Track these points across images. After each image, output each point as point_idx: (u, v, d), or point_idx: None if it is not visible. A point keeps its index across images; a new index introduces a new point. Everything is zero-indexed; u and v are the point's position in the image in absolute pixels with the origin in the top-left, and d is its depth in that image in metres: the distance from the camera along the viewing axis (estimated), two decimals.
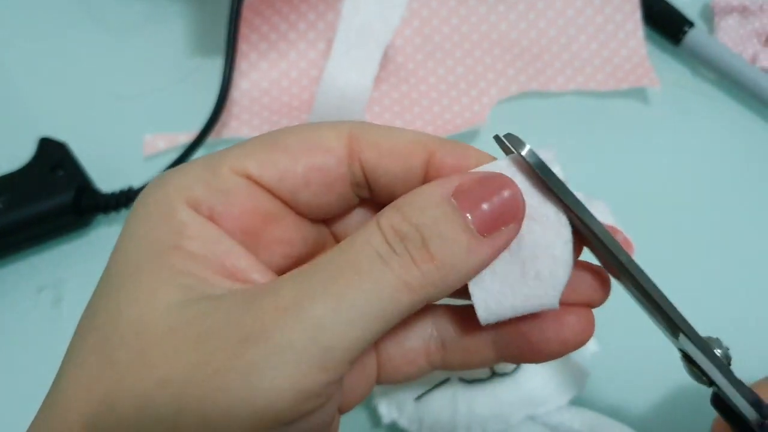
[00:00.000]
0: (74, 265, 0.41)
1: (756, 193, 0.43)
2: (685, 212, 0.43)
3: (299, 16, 0.47)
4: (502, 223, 0.21)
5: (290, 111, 0.45)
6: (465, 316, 0.25)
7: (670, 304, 0.22)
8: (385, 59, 0.46)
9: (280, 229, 0.24)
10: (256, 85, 0.46)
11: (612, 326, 0.39)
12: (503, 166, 0.23)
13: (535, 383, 0.32)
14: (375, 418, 0.35)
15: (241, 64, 0.46)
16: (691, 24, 0.47)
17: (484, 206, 0.21)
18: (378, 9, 0.42)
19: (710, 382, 0.24)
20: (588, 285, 0.24)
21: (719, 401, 0.25)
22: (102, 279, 0.22)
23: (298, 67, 0.47)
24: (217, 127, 0.43)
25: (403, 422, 0.33)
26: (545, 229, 0.22)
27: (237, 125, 0.45)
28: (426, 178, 0.23)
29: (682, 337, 0.23)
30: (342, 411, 0.25)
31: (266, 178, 0.23)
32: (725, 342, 0.24)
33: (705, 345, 0.23)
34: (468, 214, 0.21)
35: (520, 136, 0.22)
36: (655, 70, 0.46)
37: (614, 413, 0.34)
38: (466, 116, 0.45)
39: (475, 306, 0.22)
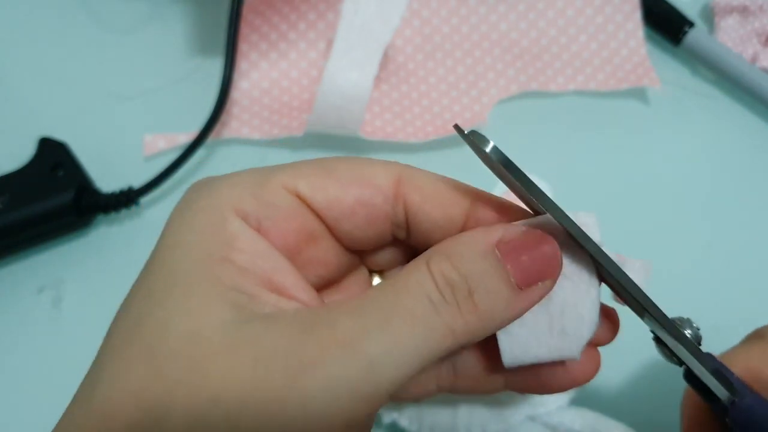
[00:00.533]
0: (74, 265, 0.41)
1: (756, 192, 0.43)
2: (684, 212, 0.43)
3: (299, 16, 0.47)
4: (540, 278, 0.22)
5: (290, 111, 0.45)
6: (482, 349, 0.26)
7: (635, 285, 0.23)
8: (385, 59, 0.46)
9: (319, 251, 0.24)
10: (257, 85, 0.46)
11: None
12: (542, 221, 0.23)
13: None
14: (375, 418, 0.35)
15: (242, 64, 0.46)
16: (691, 24, 0.47)
17: (525, 260, 0.22)
18: (378, 9, 0.42)
19: (680, 362, 0.25)
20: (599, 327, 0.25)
21: (691, 376, 0.25)
22: (143, 283, 0.22)
23: (298, 67, 0.47)
24: (217, 127, 0.43)
25: (403, 422, 0.33)
26: (575, 286, 0.23)
27: (237, 125, 0.45)
28: (464, 229, 0.24)
29: (647, 317, 0.23)
30: None
31: (315, 200, 0.23)
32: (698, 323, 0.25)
33: (670, 324, 0.23)
34: (509, 266, 0.22)
35: (486, 134, 0.22)
36: (656, 70, 0.46)
37: (614, 413, 0.34)
38: (466, 116, 0.45)
39: (501, 351, 0.23)
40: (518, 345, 0.23)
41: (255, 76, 0.46)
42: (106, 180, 0.42)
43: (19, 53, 0.48)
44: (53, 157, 0.41)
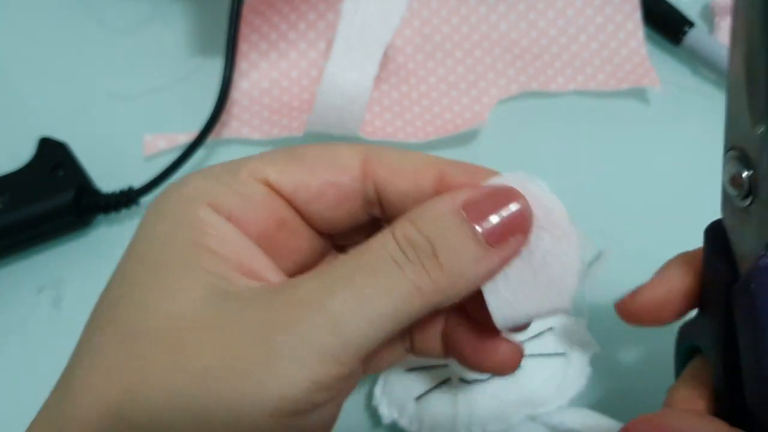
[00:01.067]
0: (74, 265, 0.41)
1: None
2: (684, 212, 0.43)
3: (299, 16, 0.47)
4: (510, 233, 0.22)
5: (290, 111, 0.45)
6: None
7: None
8: (386, 59, 0.46)
9: (291, 237, 0.25)
10: (257, 85, 0.46)
11: (612, 327, 0.39)
12: (512, 179, 0.23)
13: (536, 383, 0.32)
14: (375, 418, 0.35)
15: (242, 64, 0.46)
16: (691, 24, 0.47)
17: (493, 218, 0.22)
18: (378, 9, 0.42)
19: (748, 193, 0.23)
20: None
21: (716, 232, 0.25)
22: (119, 272, 0.23)
23: (298, 67, 0.47)
24: (217, 127, 0.43)
25: (403, 422, 0.33)
26: (555, 238, 0.23)
27: (237, 125, 0.45)
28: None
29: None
30: None
31: (284, 186, 0.24)
32: None
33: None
34: (477, 226, 0.22)
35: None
36: (656, 70, 0.46)
37: (614, 413, 0.34)
38: (466, 116, 0.45)
39: (491, 313, 0.23)
40: (506, 304, 0.23)
41: (255, 76, 0.46)
42: (106, 180, 0.42)
43: (20, 53, 0.48)
44: (53, 157, 0.41)
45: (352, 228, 0.26)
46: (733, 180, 0.24)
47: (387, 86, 0.46)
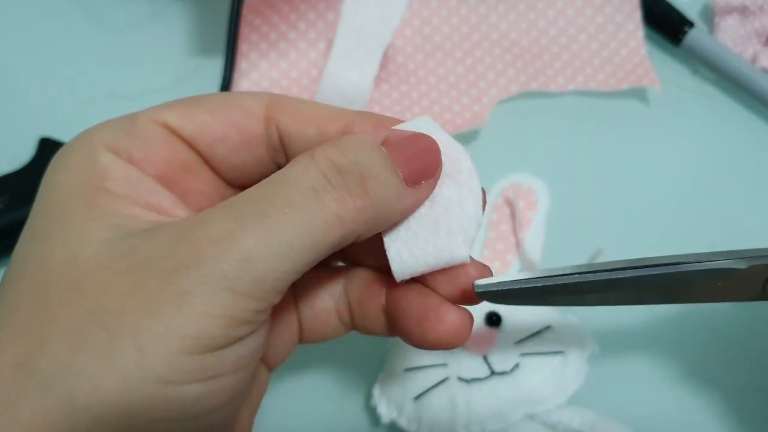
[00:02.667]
0: None
1: (756, 192, 0.43)
2: (684, 211, 0.43)
3: (299, 16, 0.47)
4: (424, 177, 0.23)
5: None
6: (370, 281, 0.26)
7: None
8: (385, 59, 0.46)
9: (197, 181, 0.25)
10: (257, 85, 0.46)
11: (611, 326, 0.39)
12: (420, 125, 0.24)
13: (534, 382, 0.33)
14: (374, 418, 0.35)
15: (241, 64, 0.46)
16: (691, 24, 0.47)
17: (410, 156, 0.22)
18: (378, 9, 0.42)
19: None
20: (471, 278, 0.24)
21: None
22: (27, 228, 0.23)
23: (298, 67, 0.47)
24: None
25: (402, 422, 0.34)
26: (456, 184, 0.23)
27: None
28: None
29: None
30: (270, 368, 0.27)
31: (184, 129, 0.24)
32: None
33: None
34: (396, 162, 0.22)
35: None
36: (656, 70, 0.46)
37: (613, 412, 0.34)
38: (466, 116, 0.45)
39: (389, 260, 0.23)
40: (406, 251, 0.23)
41: (255, 76, 0.46)
42: None
43: (20, 53, 0.48)
44: (53, 157, 0.41)
45: (261, 178, 0.25)
46: None
47: (387, 86, 0.46)
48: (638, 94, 0.46)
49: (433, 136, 0.23)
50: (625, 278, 0.24)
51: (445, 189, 0.23)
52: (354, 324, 0.27)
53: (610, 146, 0.45)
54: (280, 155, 0.25)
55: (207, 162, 0.25)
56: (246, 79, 0.46)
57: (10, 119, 0.45)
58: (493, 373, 0.32)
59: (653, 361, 0.38)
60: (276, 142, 0.24)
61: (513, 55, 0.47)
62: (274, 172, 0.25)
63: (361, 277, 0.26)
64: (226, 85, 0.43)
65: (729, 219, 0.42)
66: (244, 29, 0.45)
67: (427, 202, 0.23)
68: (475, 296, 0.24)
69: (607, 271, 0.24)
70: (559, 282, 0.24)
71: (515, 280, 0.24)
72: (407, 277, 0.24)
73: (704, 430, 0.37)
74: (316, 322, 0.27)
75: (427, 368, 0.33)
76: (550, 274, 0.24)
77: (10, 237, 0.40)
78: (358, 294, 0.26)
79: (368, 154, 0.22)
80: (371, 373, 0.36)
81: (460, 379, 0.33)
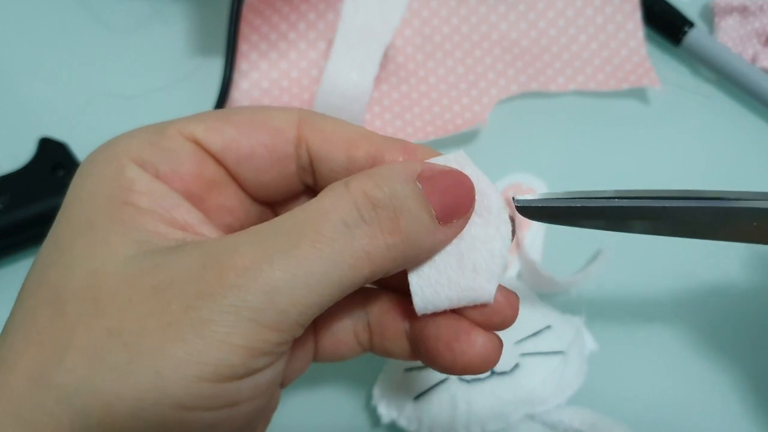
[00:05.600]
0: None
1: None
2: None
3: (299, 16, 0.47)
4: (456, 215, 0.22)
5: None
6: (392, 304, 0.26)
7: None
8: (386, 59, 0.46)
9: (224, 198, 0.24)
10: (257, 86, 0.46)
11: (610, 325, 0.39)
12: (452, 159, 0.23)
13: (534, 382, 0.33)
14: (374, 418, 0.35)
15: (242, 65, 0.46)
16: (691, 24, 0.47)
17: (444, 194, 0.22)
18: (378, 9, 0.42)
19: None
20: (499, 306, 0.24)
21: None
22: (50, 236, 0.22)
23: (298, 67, 0.47)
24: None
25: (402, 422, 0.34)
26: (485, 222, 0.23)
27: None
28: None
29: None
30: (282, 386, 0.26)
31: (212, 144, 0.23)
32: None
33: None
34: (429, 198, 0.22)
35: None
36: (656, 70, 0.46)
37: (612, 412, 0.34)
38: (466, 116, 0.45)
39: (412, 294, 0.23)
40: (429, 287, 0.23)
41: (255, 76, 0.46)
42: None
43: (20, 53, 0.48)
44: (53, 157, 0.41)
45: (288, 197, 0.25)
46: None
47: (387, 86, 0.46)
48: (638, 94, 0.46)
49: (465, 171, 0.23)
50: (663, 207, 0.24)
51: (473, 227, 0.23)
52: (372, 345, 0.26)
53: (610, 146, 0.45)
54: (308, 175, 0.24)
55: (234, 178, 0.24)
56: (246, 80, 0.46)
57: (10, 119, 0.45)
58: (493, 373, 0.32)
59: (650, 359, 0.38)
60: (305, 162, 0.24)
61: (513, 55, 0.47)
62: (300, 190, 0.25)
63: (383, 299, 0.26)
64: (226, 85, 0.43)
65: None
66: (244, 29, 0.45)
67: (454, 239, 0.23)
68: (500, 327, 0.24)
69: (649, 198, 0.24)
70: (599, 204, 0.24)
71: (557, 198, 0.24)
72: (429, 312, 0.23)
73: (704, 429, 0.37)
74: (333, 342, 0.26)
75: (427, 368, 0.34)
76: (590, 196, 0.24)
77: (11, 237, 0.40)
78: (380, 316, 0.26)
79: (403, 187, 0.21)
80: (371, 373, 0.36)
81: (460, 379, 0.33)
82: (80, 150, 0.42)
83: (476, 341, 0.23)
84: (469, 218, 0.23)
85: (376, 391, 0.35)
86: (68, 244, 0.21)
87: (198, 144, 0.23)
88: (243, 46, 0.45)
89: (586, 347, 0.35)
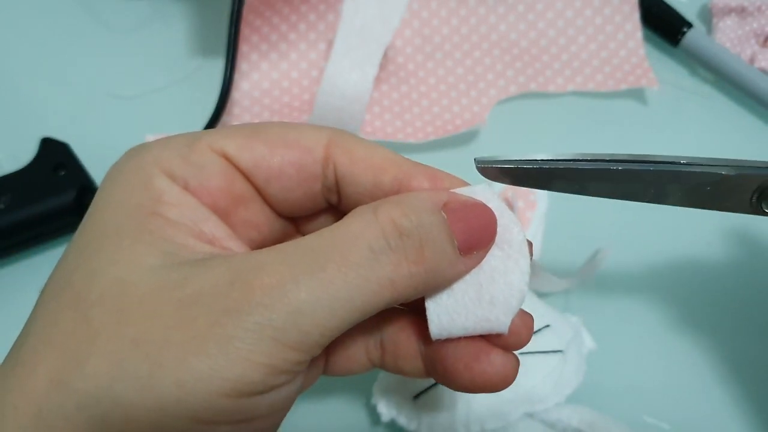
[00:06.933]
0: None
1: None
2: (682, 211, 0.43)
3: (300, 17, 0.47)
4: (478, 247, 0.23)
5: (291, 112, 0.45)
6: (406, 323, 0.26)
7: None
8: (385, 60, 0.46)
9: (250, 213, 0.24)
10: (257, 86, 0.46)
11: (608, 324, 0.39)
12: (478, 191, 0.24)
13: (533, 381, 0.33)
14: (374, 416, 0.35)
15: (242, 65, 0.46)
16: (689, 25, 0.47)
17: (467, 225, 0.22)
18: (378, 10, 0.42)
19: None
20: (517, 329, 0.24)
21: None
22: (76, 240, 0.22)
23: (298, 68, 0.47)
24: (218, 127, 0.43)
25: (401, 421, 0.34)
26: (506, 255, 0.23)
27: None
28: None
29: None
30: None
31: (243, 161, 0.23)
32: None
33: None
34: (453, 229, 0.22)
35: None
36: (654, 70, 0.46)
37: (611, 410, 0.34)
38: (465, 117, 0.45)
39: (428, 321, 0.23)
40: (446, 315, 0.23)
41: (255, 76, 0.46)
42: None
43: (21, 54, 0.48)
44: (55, 157, 0.41)
45: (311, 213, 0.26)
46: None
47: (387, 87, 0.46)
48: (637, 94, 0.47)
49: (489, 205, 0.23)
50: (622, 170, 0.25)
51: (492, 259, 0.23)
52: (383, 363, 0.26)
53: (608, 146, 0.45)
54: (333, 194, 0.25)
55: (260, 194, 0.24)
56: (246, 80, 0.46)
57: (10, 119, 0.46)
58: None
59: (649, 358, 0.38)
60: (331, 182, 0.24)
61: (512, 56, 0.47)
62: (323, 207, 0.25)
63: (398, 318, 0.26)
64: (226, 86, 0.43)
65: (728, 217, 0.43)
66: (245, 30, 0.45)
67: (473, 270, 0.23)
68: (515, 348, 0.24)
69: (606, 161, 0.25)
70: (559, 166, 0.24)
71: (517, 160, 0.24)
72: (443, 338, 0.23)
73: (702, 427, 0.37)
74: (344, 359, 0.26)
75: None
76: (550, 158, 0.25)
77: (12, 237, 0.41)
78: (394, 335, 0.26)
79: (429, 218, 0.22)
80: (372, 371, 0.36)
81: None
82: (81, 150, 0.43)
83: (495, 361, 0.23)
84: (488, 251, 0.23)
85: (376, 390, 0.35)
86: (94, 249, 0.21)
87: (228, 160, 0.23)
88: (243, 47, 0.46)
89: (584, 346, 0.35)
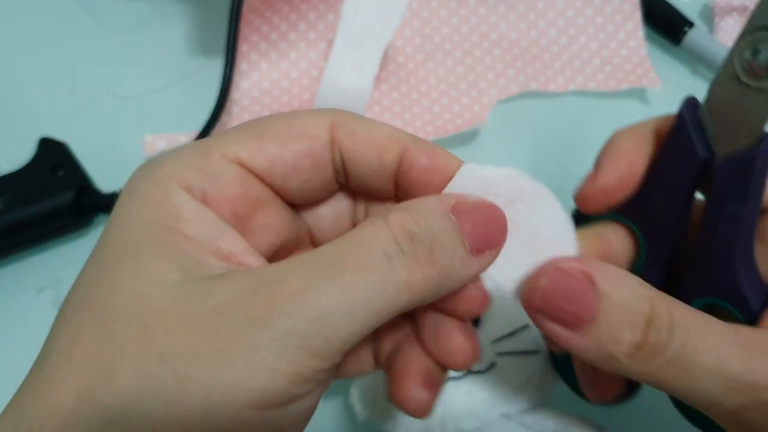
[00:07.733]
0: (74, 265, 0.41)
1: None
2: None
3: (300, 17, 0.47)
4: (489, 246, 0.23)
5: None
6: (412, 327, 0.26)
7: None
8: (385, 59, 0.46)
9: (267, 216, 0.25)
10: (257, 86, 0.46)
11: None
12: (476, 171, 0.24)
13: (510, 381, 0.32)
14: (352, 416, 0.35)
15: (242, 65, 0.46)
16: (691, 24, 0.47)
17: (477, 225, 0.23)
18: (378, 9, 0.42)
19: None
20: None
21: (692, 109, 0.26)
22: (95, 256, 0.22)
23: (298, 68, 0.47)
24: (217, 127, 0.43)
25: (377, 420, 0.33)
26: (530, 206, 0.24)
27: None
28: (398, 173, 0.24)
29: None
30: None
31: (257, 163, 0.24)
32: None
33: None
34: (463, 230, 0.23)
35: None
36: (655, 70, 0.46)
37: (589, 412, 0.34)
38: (466, 116, 0.45)
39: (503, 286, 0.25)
40: (515, 279, 0.25)
41: (255, 76, 0.46)
42: (106, 180, 0.42)
43: (20, 53, 0.48)
44: (53, 157, 0.41)
45: (325, 197, 0.26)
46: (757, 58, 0.24)
47: (387, 86, 0.46)
48: (638, 94, 0.46)
49: (485, 173, 0.24)
50: None
51: (519, 215, 0.24)
52: (386, 366, 0.27)
53: None
54: (341, 175, 0.25)
55: (278, 192, 0.25)
56: (246, 80, 0.46)
57: (10, 119, 0.46)
58: (469, 371, 0.32)
59: None
60: (339, 164, 0.25)
61: (512, 55, 0.47)
62: (335, 188, 0.26)
63: (404, 321, 0.26)
64: (226, 85, 0.43)
65: None
66: (245, 30, 0.45)
67: (515, 233, 0.24)
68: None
69: None
70: None
71: None
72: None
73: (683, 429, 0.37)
74: (353, 361, 0.27)
75: None
76: None
77: (11, 237, 0.40)
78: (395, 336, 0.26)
79: (438, 222, 0.22)
80: None
81: None
82: (80, 150, 0.43)
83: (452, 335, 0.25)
84: (500, 249, 0.24)
85: (354, 390, 0.35)
86: (114, 265, 0.21)
87: (242, 165, 0.24)
88: (243, 47, 0.45)
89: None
